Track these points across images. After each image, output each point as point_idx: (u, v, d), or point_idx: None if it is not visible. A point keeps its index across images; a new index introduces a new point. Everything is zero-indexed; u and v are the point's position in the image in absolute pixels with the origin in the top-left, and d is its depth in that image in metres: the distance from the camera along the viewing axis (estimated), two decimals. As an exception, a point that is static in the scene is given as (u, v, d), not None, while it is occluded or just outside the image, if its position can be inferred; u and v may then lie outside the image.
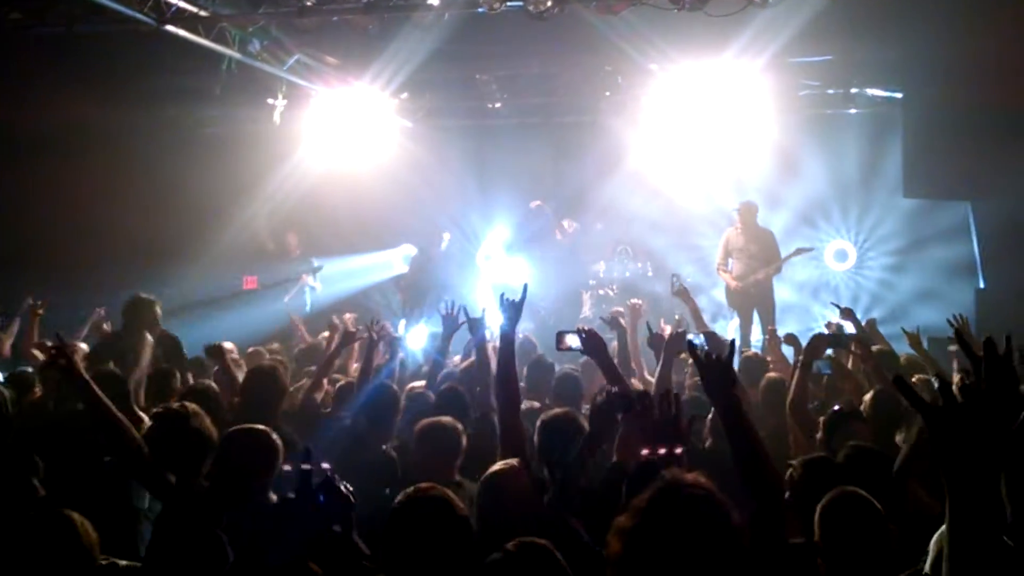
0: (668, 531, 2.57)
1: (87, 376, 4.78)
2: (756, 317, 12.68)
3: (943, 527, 2.76)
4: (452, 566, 3.31)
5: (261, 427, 4.67)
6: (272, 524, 2.87)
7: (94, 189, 13.41)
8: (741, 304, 12.76)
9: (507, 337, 5.32)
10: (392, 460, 5.80)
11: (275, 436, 4.59)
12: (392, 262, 15.94)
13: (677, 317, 10.05)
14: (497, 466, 4.30)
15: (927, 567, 3.60)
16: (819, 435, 5.45)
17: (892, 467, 4.62)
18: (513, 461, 4.33)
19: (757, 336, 12.35)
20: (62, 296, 9.64)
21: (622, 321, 8.75)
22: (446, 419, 5.36)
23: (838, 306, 9.40)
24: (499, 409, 5.16)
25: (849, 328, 8.77)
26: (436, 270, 14.64)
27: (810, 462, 4.50)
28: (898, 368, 7.21)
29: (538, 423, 5.00)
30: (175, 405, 5.04)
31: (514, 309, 5.40)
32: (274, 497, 4.33)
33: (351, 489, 2.97)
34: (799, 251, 12.98)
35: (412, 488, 3.53)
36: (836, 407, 5.71)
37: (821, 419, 5.63)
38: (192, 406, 4.89)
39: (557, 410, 5.15)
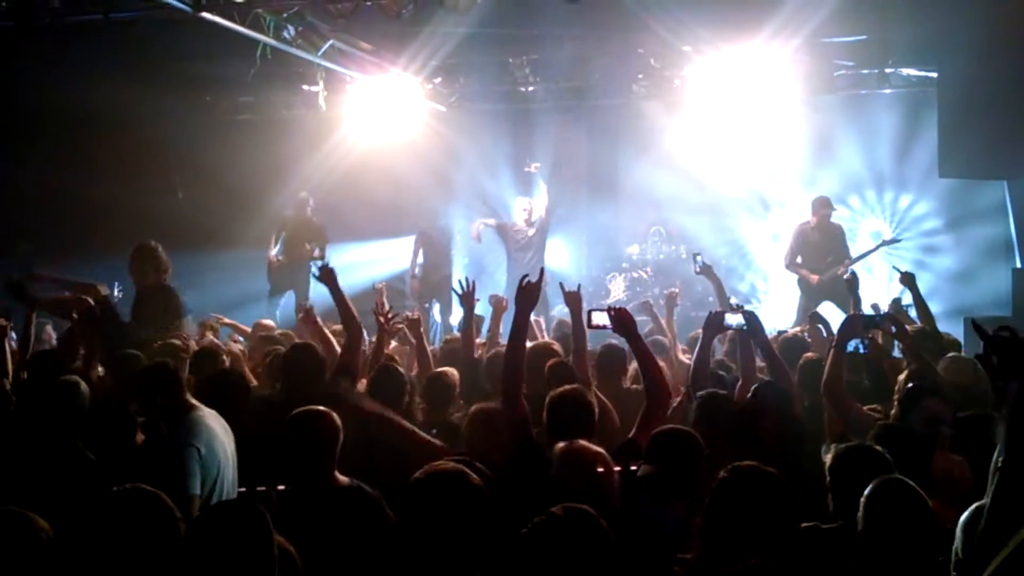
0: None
1: None
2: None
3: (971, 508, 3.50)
4: (468, 535, 3.40)
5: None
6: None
7: (129, 175, 13.55)
8: (816, 298, 12.49)
9: (520, 322, 5.26)
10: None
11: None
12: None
13: (734, 302, 9.74)
14: None
15: (958, 549, 3.64)
16: (894, 412, 5.45)
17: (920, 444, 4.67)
18: None
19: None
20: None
21: (654, 309, 8.81)
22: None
23: (899, 269, 9.15)
24: (506, 388, 5.11)
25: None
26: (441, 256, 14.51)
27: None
28: (942, 345, 7.21)
29: (549, 399, 5.04)
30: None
31: (530, 296, 5.34)
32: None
33: None
34: (884, 243, 12.73)
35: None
36: (910, 384, 5.69)
37: (896, 397, 5.60)
38: None
39: (566, 387, 5.17)
